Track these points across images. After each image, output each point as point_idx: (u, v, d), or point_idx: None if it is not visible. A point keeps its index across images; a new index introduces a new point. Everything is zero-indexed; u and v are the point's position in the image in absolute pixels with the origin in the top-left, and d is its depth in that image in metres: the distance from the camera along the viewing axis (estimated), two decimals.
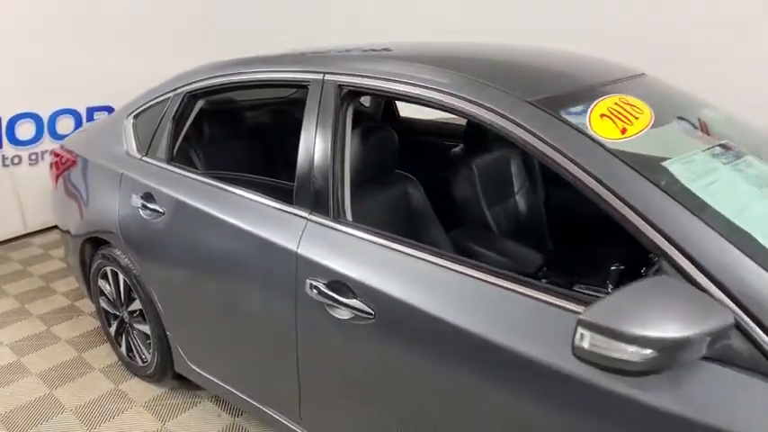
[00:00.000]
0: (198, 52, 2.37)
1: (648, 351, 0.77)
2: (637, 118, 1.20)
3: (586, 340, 0.81)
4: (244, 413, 2.06)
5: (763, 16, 3.27)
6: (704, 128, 1.41)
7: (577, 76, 1.46)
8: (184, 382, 2.19)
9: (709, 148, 1.21)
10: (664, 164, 1.07)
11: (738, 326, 0.85)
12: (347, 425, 1.49)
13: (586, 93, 1.27)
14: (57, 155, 2.51)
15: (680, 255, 0.90)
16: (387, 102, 2.72)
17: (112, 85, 3.43)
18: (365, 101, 2.67)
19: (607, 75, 1.54)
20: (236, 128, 2.13)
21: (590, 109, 1.18)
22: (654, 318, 0.79)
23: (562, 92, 1.25)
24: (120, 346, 2.30)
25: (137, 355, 2.22)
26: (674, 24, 3.59)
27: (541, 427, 1.04)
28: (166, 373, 2.12)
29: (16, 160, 3.67)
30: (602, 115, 1.17)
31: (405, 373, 1.25)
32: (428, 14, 4.35)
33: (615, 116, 1.17)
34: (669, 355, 0.78)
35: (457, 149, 2.21)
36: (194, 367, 1.94)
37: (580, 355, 0.83)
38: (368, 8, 4.47)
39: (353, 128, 1.53)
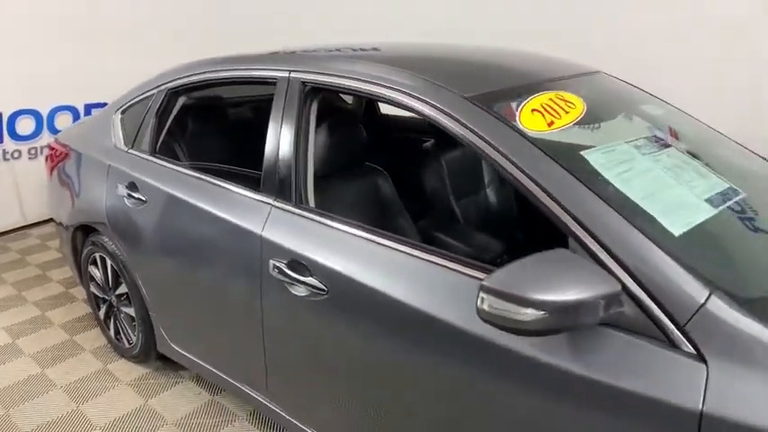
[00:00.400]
0: (197, 52, 2.46)
1: (539, 313, 0.88)
2: (567, 112, 1.32)
3: (486, 303, 0.92)
4: (223, 391, 2.19)
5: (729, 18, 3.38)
6: (641, 121, 1.52)
7: (524, 73, 1.57)
8: (168, 363, 2.31)
9: (633, 140, 1.31)
10: (582, 152, 1.18)
11: (630, 294, 0.96)
12: (308, 396, 1.61)
13: (525, 89, 1.38)
14: (51, 148, 2.64)
15: (583, 232, 1.01)
16: (368, 99, 2.84)
17: (110, 83, 3.52)
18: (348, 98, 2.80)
19: (557, 72, 1.65)
20: (217, 123, 2.25)
21: (523, 104, 1.29)
22: (545, 283, 0.90)
23: (502, 88, 1.37)
24: (109, 329, 2.43)
25: (123, 337, 2.35)
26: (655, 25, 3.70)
27: (468, 386, 1.15)
28: (150, 353, 2.25)
29: (16, 154, 3.81)
30: (534, 110, 1.28)
31: (354, 344, 1.37)
32: (425, 14, 4.48)
33: (546, 110, 1.28)
34: (558, 317, 0.89)
35: (428, 144, 2.32)
36: (175, 347, 2.06)
37: (483, 317, 0.94)
38: (367, 8, 4.60)
39: (321, 122, 1.65)
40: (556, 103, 1.33)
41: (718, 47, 3.46)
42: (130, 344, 2.31)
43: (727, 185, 1.26)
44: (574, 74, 1.75)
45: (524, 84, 1.43)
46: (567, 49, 2.12)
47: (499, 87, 1.37)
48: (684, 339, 0.91)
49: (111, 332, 2.42)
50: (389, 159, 2.07)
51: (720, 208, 1.16)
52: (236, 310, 1.69)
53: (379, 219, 1.84)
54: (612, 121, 1.48)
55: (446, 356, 1.18)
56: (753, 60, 3.48)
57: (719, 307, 0.90)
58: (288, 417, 1.68)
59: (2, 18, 3.49)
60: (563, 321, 0.90)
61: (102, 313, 2.45)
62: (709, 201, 1.16)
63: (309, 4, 4.66)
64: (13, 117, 3.75)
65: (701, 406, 0.86)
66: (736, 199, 1.23)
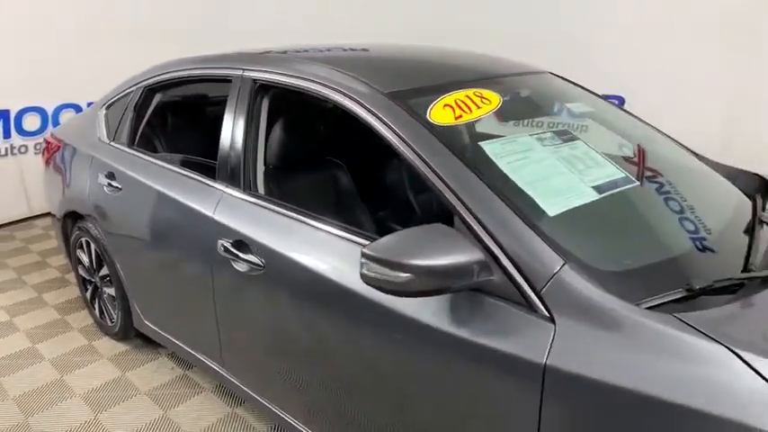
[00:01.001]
0: (198, 51, 2.60)
1: (408, 275, 1.02)
2: (479, 107, 1.45)
3: (366, 268, 1.06)
4: (194, 367, 2.36)
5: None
6: (558, 117, 1.65)
7: (454, 72, 1.70)
8: (147, 342, 2.49)
9: (538, 133, 1.44)
10: (480, 143, 1.32)
11: (499, 264, 1.09)
12: (254, 364, 1.77)
13: (447, 87, 1.51)
14: (47, 142, 2.85)
15: (464, 209, 1.14)
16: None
17: (112, 82, 3.78)
18: None
19: (498, 71, 1.80)
20: (187, 117, 2.42)
21: (439, 99, 1.43)
22: (415, 250, 1.03)
23: (423, 86, 1.50)
24: (94, 308, 2.63)
25: (106, 316, 2.54)
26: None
27: (371, 346, 1.30)
28: (129, 331, 2.43)
29: (23, 149, 4.05)
30: (447, 105, 1.41)
31: (286, 314, 1.52)
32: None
33: (458, 106, 1.42)
34: (426, 280, 1.03)
35: None
36: (148, 324, 2.24)
37: (365, 280, 1.08)
38: (367, 12, 4.79)
39: (276, 118, 1.80)
40: (471, 100, 1.47)
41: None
42: (112, 322, 2.50)
43: (623, 175, 1.38)
44: (516, 72, 1.90)
45: (449, 81, 1.56)
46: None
47: (421, 85, 1.51)
48: (540, 303, 1.04)
49: (96, 312, 2.61)
50: (352, 155, 2.21)
51: (605, 194, 1.29)
52: (195, 288, 1.85)
53: (335, 209, 1.98)
54: (527, 116, 1.61)
55: (361, 324, 1.32)
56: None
57: (571, 276, 1.03)
58: (244, 387, 1.84)
59: (10, 21, 3.72)
60: (431, 284, 1.04)
61: (88, 294, 2.64)
62: (596, 187, 1.29)
63: (309, 5, 4.86)
64: (20, 114, 3.99)
65: (545, 360, 0.99)
66: (627, 187, 1.35)
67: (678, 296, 1.03)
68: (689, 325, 0.93)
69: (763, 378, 0.84)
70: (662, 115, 4.36)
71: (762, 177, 1.78)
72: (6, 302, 2.94)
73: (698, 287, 1.03)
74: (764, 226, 1.38)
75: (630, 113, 2.17)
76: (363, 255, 1.06)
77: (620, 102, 4.81)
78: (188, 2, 4.52)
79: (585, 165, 1.37)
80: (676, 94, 4.31)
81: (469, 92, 1.50)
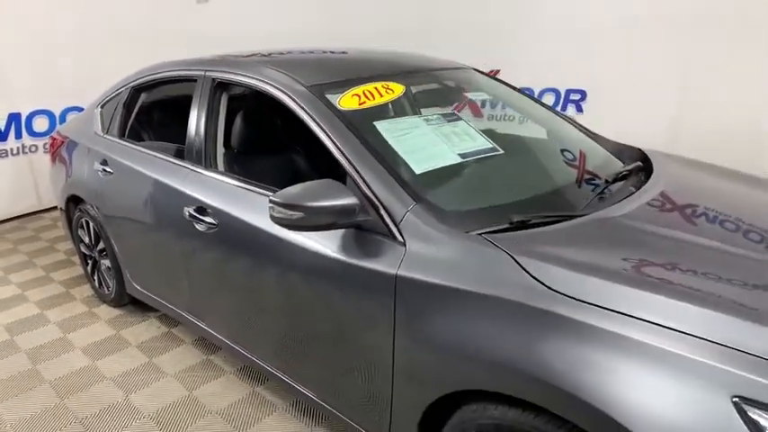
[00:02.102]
0: (191, 54, 2.93)
1: (300, 214, 1.41)
2: (382, 96, 1.85)
3: (274, 211, 1.45)
4: (178, 325, 2.77)
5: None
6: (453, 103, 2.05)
7: (372, 68, 2.08)
8: (139, 307, 2.91)
9: (427, 116, 1.83)
10: (374, 122, 1.71)
11: (374, 207, 1.48)
12: (214, 310, 2.18)
13: (360, 80, 1.90)
14: (53, 138, 3.29)
15: (352, 168, 1.54)
16: None
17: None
18: None
19: (419, 66, 2.20)
20: (169, 111, 2.81)
21: (349, 90, 1.82)
22: (307, 196, 1.42)
23: (340, 79, 1.90)
24: (94, 280, 3.05)
25: (104, 286, 2.96)
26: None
27: (290, 276, 1.70)
28: (123, 297, 2.85)
29: (33, 149, 4.51)
30: (355, 94, 1.81)
31: (233, 258, 1.93)
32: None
33: (364, 95, 1.82)
34: (314, 217, 1.41)
35: None
36: (137, 287, 2.65)
37: (273, 221, 1.47)
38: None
39: (236, 110, 2.21)
40: (377, 90, 1.86)
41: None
42: (108, 290, 2.92)
43: (490, 146, 1.77)
44: (438, 68, 2.30)
45: (365, 76, 1.95)
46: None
47: (339, 79, 1.90)
48: (397, 233, 1.43)
49: (96, 283, 3.04)
50: (291, 138, 2.55)
51: (467, 159, 1.68)
52: (169, 250, 2.26)
53: (273, 181, 2.33)
54: (425, 102, 2.02)
55: (282, 259, 1.72)
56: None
57: (419, 213, 1.42)
58: (208, 329, 2.24)
59: (23, 32, 4.19)
60: (318, 221, 1.43)
61: (89, 268, 3.07)
62: (461, 154, 1.68)
63: (295, 17, 5.32)
64: (31, 116, 4.46)
65: (396, 271, 1.38)
66: (490, 155, 1.74)
67: (502, 227, 1.41)
68: (489, 241, 1.31)
69: (528, 273, 1.22)
70: (618, 107, 4.76)
71: (641, 150, 2.16)
72: (19, 280, 3.38)
73: (515, 221, 1.41)
74: (605, 182, 1.75)
75: (541, 102, 2.55)
76: (270, 200, 1.46)
77: (582, 95, 5.19)
78: (187, 10, 4.98)
79: (460, 138, 1.76)
80: (631, 88, 4.68)
81: (378, 84, 1.90)
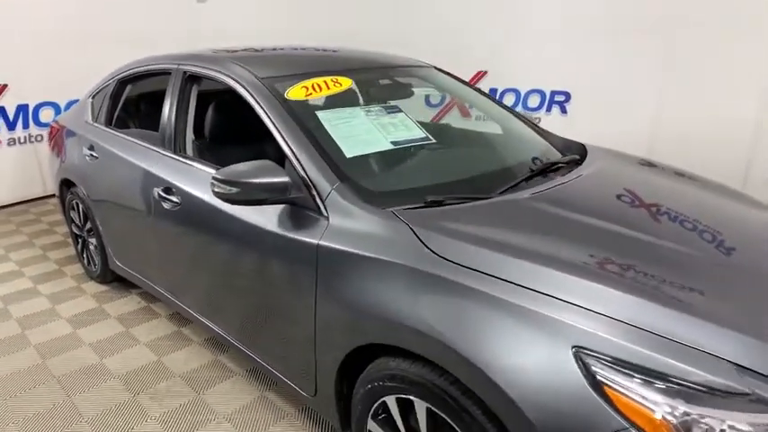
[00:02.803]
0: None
1: (237, 189, 1.60)
2: (329, 88, 2.03)
3: (215, 187, 1.63)
4: (157, 301, 2.98)
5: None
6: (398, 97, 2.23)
7: (327, 64, 2.27)
8: (125, 284, 3.13)
9: (368, 107, 2.01)
10: (317, 111, 1.89)
11: (306, 185, 1.66)
12: (180, 284, 2.38)
13: (311, 74, 2.08)
14: (51, 127, 3.53)
15: (290, 152, 1.72)
16: None
17: None
18: None
19: (380, 63, 2.39)
20: (150, 101, 3.03)
21: (298, 82, 2.01)
22: (244, 174, 1.61)
23: (292, 73, 2.08)
24: (83, 259, 3.28)
25: (91, 264, 3.19)
26: None
27: (234, 245, 1.90)
28: (107, 274, 3.07)
29: (39, 138, 4.78)
30: (303, 86, 1.99)
31: (192, 232, 2.13)
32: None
33: (312, 87, 2.00)
34: (249, 192, 1.60)
35: None
36: (118, 263, 2.87)
37: (214, 195, 1.66)
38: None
39: (208, 103, 2.41)
40: (326, 83, 2.05)
41: None
42: (95, 267, 3.14)
43: (423, 135, 1.94)
44: (398, 65, 2.48)
45: (317, 70, 2.13)
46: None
47: (291, 72, 2.09)
48: (323, 208, 1.61)
49: (85, 261, 3.27)
50: (251, 125, 2.71)
51: (399, 146, 1.85)
52: (142, 228, 2.47)
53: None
54: (370, 95, 2.20)
55: (229, 232, 1.92)
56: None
57: (342, 191, 1.60)
58: (178, 302, 2.44)
59: (30, 29, 4.46)
60: (252, 195, 1.62)
61: (79, 247, 3.30)
62: (393, 142, 1.85)
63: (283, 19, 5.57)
64: (37, 108, 4.73)
65: (318, 241, 1.57)
66: (421, 144, 1.91)
67: (418, 206, 1.58)
68: (395, 215, 1.49)
69: (421, 241, 1.40)
70: (600, 108, 4.90)
71: (584, 145, 2.32)
72: (18, 258, 3.63)
73: (430, 200, 1.59)
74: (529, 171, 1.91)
75: (496, 100, 2.70)
76: (212, 177, 1.65)
77: (567, 97, 5.32)
78: (186, 8, 5.24)
79: (396, 128, 1.94)
80: (613, 90, 4.81)
81: (327, 78, 2.09)
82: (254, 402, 2.16)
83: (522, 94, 5.60)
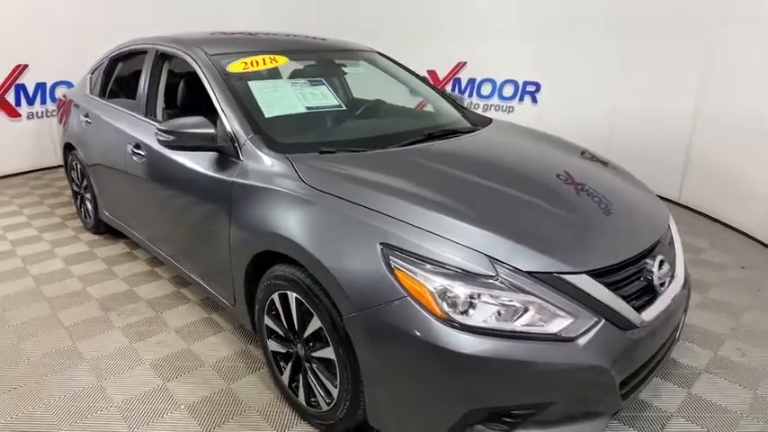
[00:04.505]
0: None
1: (173, 137, 2.06)
2: (266, 64, 2.49)
3: (158, 135, 2.10)
4: (138, 247, 3.49)
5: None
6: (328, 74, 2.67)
7: (270, 45, 2.71)
8: (116, 235, 3.65)
9: (295, 80, 2.46)
10: (249, 82, 2.34)
11: (230, 137, 2.12)
12: (143, 219, 2.88)
13: (253, 53, 2.53)
14: (59, 100, 4.07)
15: (221, 111, 2.18)
16: None
17: None
18: None
19: (322, 48, 2.84)
20: (134, 76, 3.53)
21: (241, 58, 2.46)
22: (180, 125, 2.07)
23: (236, 51, 2.53)
24: (81, 213, 3.82)
25: (87, 217, 3.72)
26: None
27: (178, 187, 2.36)
28: (100, 225, 3.60)
29: (54, 113, 5.36)
30: (243, 62, 2.45)
31: (153, 182, 2.61)
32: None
33: (250, 63, 2.45)
34: (182, 140, 2.06)
35: None
36: (107, 214, 3.40)
37: (159, 142, 2.13)
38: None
39: (177, 78, 2.88)
40: (264, 60, 2.50)
41: None
42: (89, 219, 3.68)
43: (336, 103, 2.38)
44: (340, 49, 2.93)
45: (258, 50, 2.58)
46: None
47: (236, 50, 2.54)
48: (240, 154, 2.07)
49: (82, 215, 3.81)
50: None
51: (311, 111, 2.29)
52: (121, 180, 2.97)
53: None
54: (302, 71, 2.66)
55: (176, 174, 2.39)
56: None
57: (254, 140, 2.06)
58: (149, 243, 2.94)
59: (48, 14, 5.03)
60: (187, 142, 2.08)
61: (78, 203, 3.84)
62: (308, 107, 2.30)
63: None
64: (54, 86, 5.32)
65: (233, 178, 2.02)
66: (332, 110, 2.35)
67: (314, 154, 2.02)
68: (286, 157, 1.94)
69: (298, 174, 1.84)
70: (566, 97, 5.28)
71: (491, 119, 2.73)
72: (29, 213, 4.21)
73: (323, 150, 2.03)
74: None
75: (428, 83, 3.11)
76: (156, 128, 2.12)
77: (537, 87, 5.66)
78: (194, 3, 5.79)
79: (314, 97, 2.38)
80: (578, 81, 5.15)
81: (266, 56, 2.54)
82: (201, 321, 2.64)
83: (498, 84, 5.96)
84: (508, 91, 5.92)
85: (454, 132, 2.42)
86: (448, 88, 6.32)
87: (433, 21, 6.10)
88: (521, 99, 5.84)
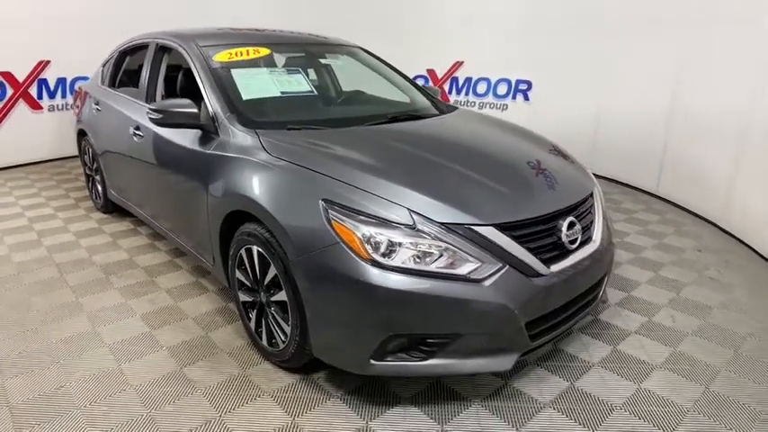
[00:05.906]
0: None
1: (161, 115, 2.37)
2: (249, 55, 2.79)
3: (149, 114, 2.41)
4: (143, 224, 3.83)
5: None
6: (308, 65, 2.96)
7: (256, 39, 3.02)
8: (123, 214, 4.00)
9: (275, 69, 2.75)
10: (232, 69, 2.65)
11: (210, 114, 2.42)
12: (141, 193, 3.20)
13: (239, 45, 2.84)
14: (76, 91, 4.46)
15: (205, 94, 2.49)
16: None
17: None
18: None
19: (308, 42, 3.14)
20: (139, 67, 3.88)
21: (228, 49, 2.77)
22: (167, 105, 2.38)
23: (224, 43, 2.84)
24: (92, 193, 4.19)
25: (97, 197, 4.08)
26: None
27: (168, 162, 2.67)
28: (108, 204, 3.96)
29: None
30: (229, 52, 2.76)
31: (149, 157, 2.93)
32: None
33: (235, 54, 2.76)
34: (169, 118, 2.37)
35: None
36: (113, 192, 3.74)
37: (150, 120, 2.44)
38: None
39: (179, 71, 3.21)
40: (247, 52, 2.81)
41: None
42: (99, 199, 4.03)
43: (309, 89, 2.67)
44: (324, 43, 3.23)
45: (244, 42, 2.89)
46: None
47: (224, 42, 2.85)
48: (218, 130, 2.37)
49: (93, 195, 4.17)
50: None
51: (285, 95, 2.59)
52: (124, 161, 3.30)
53: None
54: (286, 62, 2.95)
55: (168, 150, 2.70)
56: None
57: (231, 119, 2.36)
58: (148, 217, 3.27)
59: (69, 13, 5.45)
60: (173, 119, 2.39)
61: (89, 185, 4.21)
62: (282, 92, 2.59)
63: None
64: (74, 81, 5.73)
65: (210, 151, 2.33)
66: (305, 95, 2.64)
67: (284, 130, 2.31)
68: (254, 132, 2.23)
69: (262, 145, 2.13)
70: (556, 96, 5.52)
71: (457, 107, 2.99)
72: (47, 195, 4.60)
73: (289, 127, 2.32)
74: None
75: (406, 77, 3.39)
76: (148, 108, 2.43)
77: (529, 85, 5.88)
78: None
79: (290, 84, 2.67)
80: (566, 80, 5.36)
81: (250, 48, 2.85)
82: (190, 284, 2.95)
83: (492, 82, 6.20)
84: (502, 89, 6.16)
85: (418, 117, 2.69)
86: (446, 87, 6.59)
87: (433, 21, 6.38)
88: (513, 97, 6.07)
